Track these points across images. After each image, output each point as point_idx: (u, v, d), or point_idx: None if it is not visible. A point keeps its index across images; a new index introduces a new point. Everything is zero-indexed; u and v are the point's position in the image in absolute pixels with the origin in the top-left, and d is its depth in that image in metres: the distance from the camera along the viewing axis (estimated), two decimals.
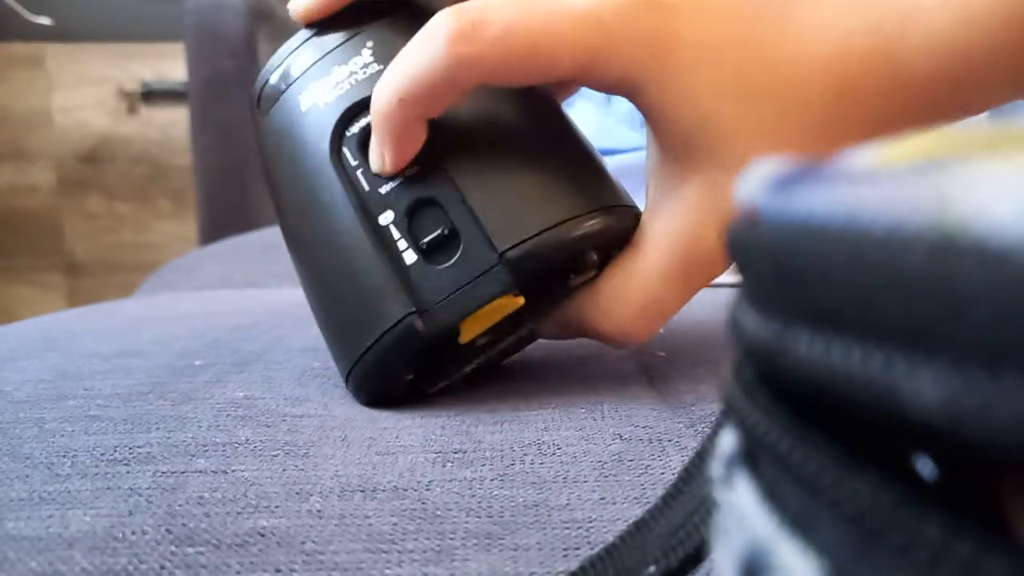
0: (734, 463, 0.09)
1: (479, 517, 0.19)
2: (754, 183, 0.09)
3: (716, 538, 0.10)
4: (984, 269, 0.06)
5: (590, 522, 0.18)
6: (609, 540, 0.13)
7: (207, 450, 0.22)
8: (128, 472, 0.21)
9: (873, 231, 0.07)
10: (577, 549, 0.17)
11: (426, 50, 0.24)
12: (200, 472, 0.21)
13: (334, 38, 0.28)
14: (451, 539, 0.18)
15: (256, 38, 1.10)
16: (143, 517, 0.19)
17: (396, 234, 0.25)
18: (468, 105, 0.26)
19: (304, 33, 0.29)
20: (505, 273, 0.24)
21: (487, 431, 0.24)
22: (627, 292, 0.26)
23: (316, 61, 0.28)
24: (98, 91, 1.86)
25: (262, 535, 0.18)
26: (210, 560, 0.17)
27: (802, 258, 0.08)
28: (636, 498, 0.19)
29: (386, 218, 0.26)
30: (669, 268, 0.26)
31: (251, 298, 0.48)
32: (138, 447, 0.23)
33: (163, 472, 0.21)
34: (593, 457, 0.22)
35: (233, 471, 0.21)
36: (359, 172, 0.26)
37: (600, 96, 0.57)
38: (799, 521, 0.08)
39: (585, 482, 0.20)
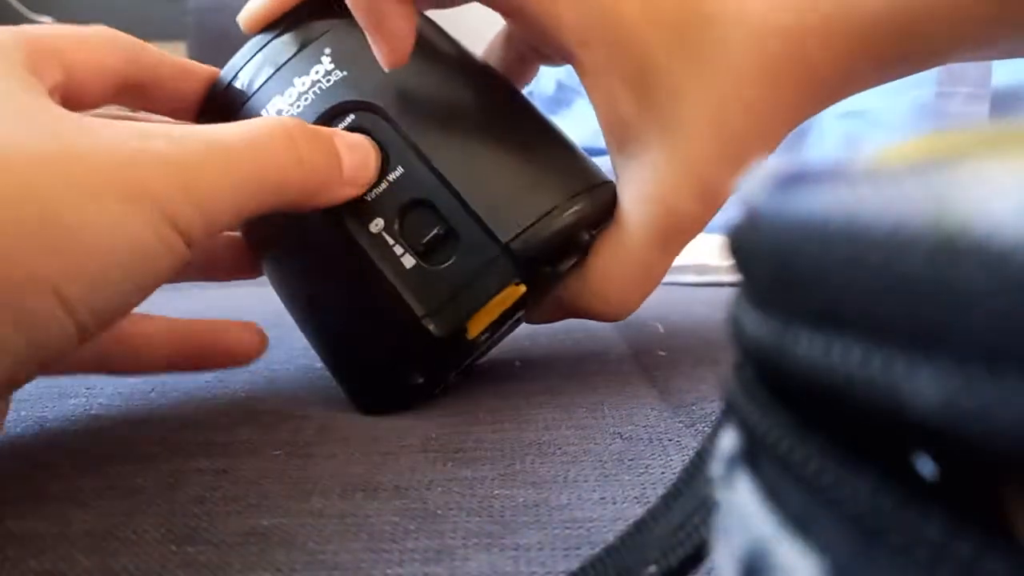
0: (734, 463, 0.09)
1: (480, 516, 0.19)
2: (754, 183, 0.09)
3: (716, 538, 0.10)
4: (984, 269, 0.06)
5: (590, 522, 0.18)
6: (609, 540, 0.13)
7: (208, 449, 0.22)
8: (129, 471, 0.21)
9: (873, 231, 0.07)
10: (577, 549, 0.17)
11: None
12: (201, 471, 0.21)
13: (289, 47, 0.27)
14: (451, 538, 0.18)
15: None
16: (144, 516, 0.19)
17: (390, 240, 0.25)
18: (439, 102, 0.26)
19: (256, 42, 0.28)
20: (508, 263, 0.24)
21: (487, 431, 0.24)
22: (615, 268, 0.27)
23: (274, 73, 0.27)
24: None
25: (263, 534, 0.18)
26: (211, 559, 0.17)
27: (802, 258, 0.08)
28: (636, 498, 0.19)
29: (376, 226, 0.25)
30: (650, 238, 0.26)
31: (251, 298, 0.48)
32: (139, 447, 0.23)
33: (164, 471, 0.21)
34: (593, 457, 0.22)
35: (234, 470, 0.21)
36: None
37: None
38: (799, 521, 0.08)
39: (585, 482, 0.20)
